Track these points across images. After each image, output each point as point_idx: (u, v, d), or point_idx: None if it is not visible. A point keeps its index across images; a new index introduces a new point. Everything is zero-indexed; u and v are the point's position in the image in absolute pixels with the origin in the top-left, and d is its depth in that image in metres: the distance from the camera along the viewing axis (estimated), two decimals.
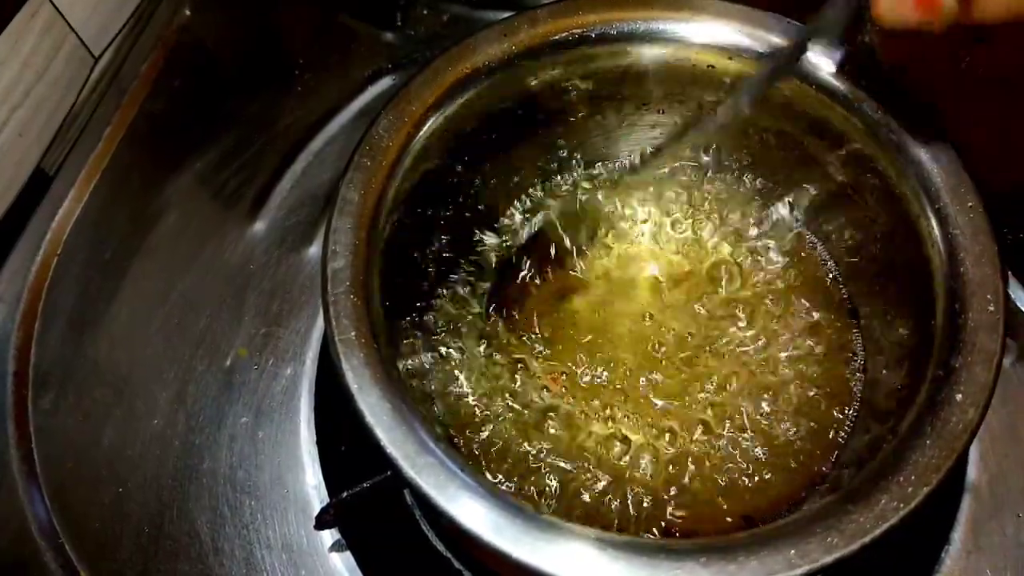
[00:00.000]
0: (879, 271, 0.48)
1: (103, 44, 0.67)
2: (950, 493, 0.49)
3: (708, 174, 0.55)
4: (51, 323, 0.56)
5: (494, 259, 0.53)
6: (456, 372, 0.50)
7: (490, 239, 0.54)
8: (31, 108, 0.60)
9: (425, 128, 0.45)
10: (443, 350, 0.50)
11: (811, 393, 0.48)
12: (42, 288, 0.57)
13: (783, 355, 0.49)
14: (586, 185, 0.56)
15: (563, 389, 0.49)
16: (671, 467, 0.46)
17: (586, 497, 0.46)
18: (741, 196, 0.55)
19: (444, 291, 0.52)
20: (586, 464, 0.47)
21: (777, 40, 0.46)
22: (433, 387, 0.49)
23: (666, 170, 0.55)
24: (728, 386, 0.48)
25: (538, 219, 0.55)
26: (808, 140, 0.49)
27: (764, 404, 0.48)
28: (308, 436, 0.53)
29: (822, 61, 0.45)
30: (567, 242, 0.54)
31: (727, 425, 0.47)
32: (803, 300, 0.51)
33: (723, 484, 0.46)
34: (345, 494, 0.46)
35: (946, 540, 0.48)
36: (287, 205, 0.63)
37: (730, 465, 0.46)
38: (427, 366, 0.50)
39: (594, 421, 0.48)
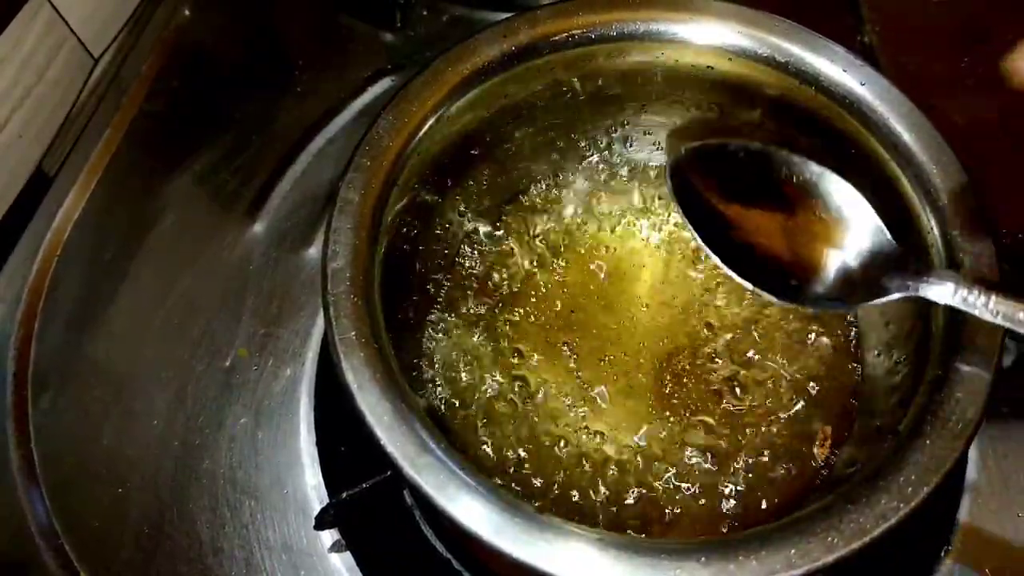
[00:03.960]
0: None
1: (103, 45, 0.67)
2: (950, 493, 0.49)
3: None
4: (51, 323, 0.56)
5: (495, 258, 0.53)
6: (457, 370, 0.50)
7: (490, 238, 0.54)
8: (31, 109, 0.61)
9: (425, 128, 0.45)
10: (444, 348, 0.50)
11: (809, 392, 0.48)
12: (42, 288, 0.57)
13: (780, 350, 0.49)
14: (586, 185, 0.56)
15: (564, 388, 0.49)
16: (670, 467, 0.46)
17: (581, 496, 0.46)
18: None
19: (445, 290, 0.52)
20: (582, 462, 0.47)
21: (777, 42, 0.46)
22: (434, 385, 0.49)
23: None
24: (722, 381, 0.48)
25: (538, 219, 0.55)
26: (805, 138, 0.49)
27: (760, 402, 0.48)
28: (308, 436, 0.53)
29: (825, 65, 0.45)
30: (569, 242, 0.54)
31: (722, 422, 0.47)
32: None
33: (721, 484, 0.46)
34: (345, 494, 0.46)
35: (946, 541, 0.48)
36: (287, 205, 0.63)
37: (726, 464, 0.46)
38: (428, 364, 0.50)
39: (595, 420, 0.48)
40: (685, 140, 0.44)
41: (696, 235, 0.40)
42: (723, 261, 0.39)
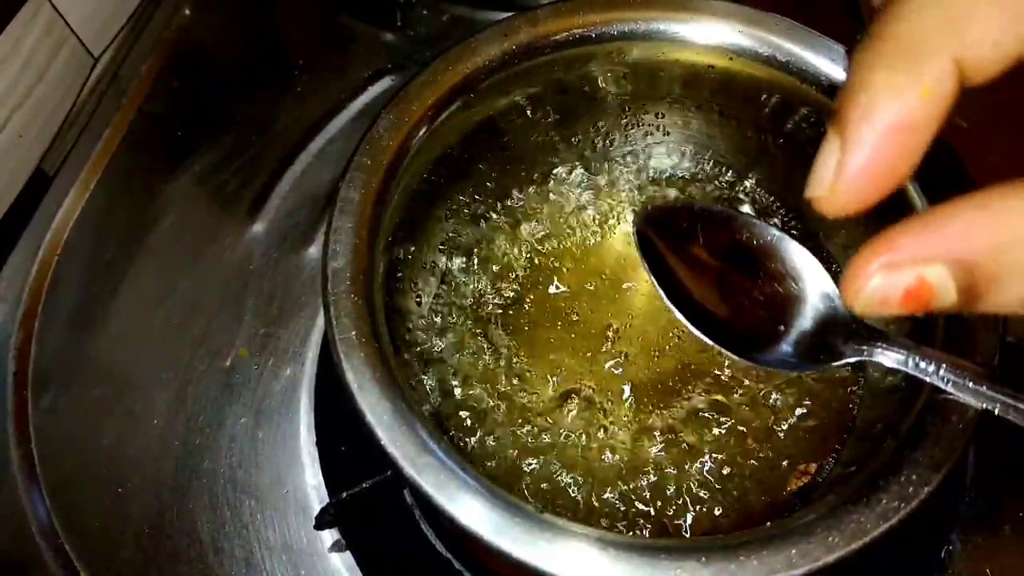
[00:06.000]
0: None
1: (103, 45, 0.67)
2: (950, 493, 0.49)
3: (686, 163, 0.55)
4: (51, 323, 0.56)
5: (494, 258, 0.53)
6: (456, 370, 0.50)
7: (489, 238, 0.54)
8: (31, 109, 0.61)
9: (425, 128, 0.45)
10: (444, 349, 0.50)
11: (809, 393, 0.48)
12: (42, 288, 0.57)
13: None
14: (585, 185, 0.56)
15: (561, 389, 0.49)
16: (667, 467, 0.46)
17: (579, 497, 0.46)
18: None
19: (445, 290, 0.52)
20: (582, 463, 0.47)
21: (778, 41, 0.46)
22: (432, 385, 0.49)
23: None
24: (719, 382, 0.48)
25: (538, 219, 0.55)
26: (801, 133, 0.49)
27: (760, 402, 0.48)
28: (308, 436, 0.53)
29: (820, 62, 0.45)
30: (568, 242, 0.54)
31: (721, 423, 0.47)
32: None
33: (720, 485, 0.46)
34: (345, 494, 0.46)
35: (946, 540, 0.48)
36: (287, 206, 0.63)
37: (726, 464, 0.46)
38: (428, 365, 0.50)
39: (596, 421, 0.48)
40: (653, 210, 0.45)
41: (660, 290, 0.40)
42: (685, 316, 0.40)
